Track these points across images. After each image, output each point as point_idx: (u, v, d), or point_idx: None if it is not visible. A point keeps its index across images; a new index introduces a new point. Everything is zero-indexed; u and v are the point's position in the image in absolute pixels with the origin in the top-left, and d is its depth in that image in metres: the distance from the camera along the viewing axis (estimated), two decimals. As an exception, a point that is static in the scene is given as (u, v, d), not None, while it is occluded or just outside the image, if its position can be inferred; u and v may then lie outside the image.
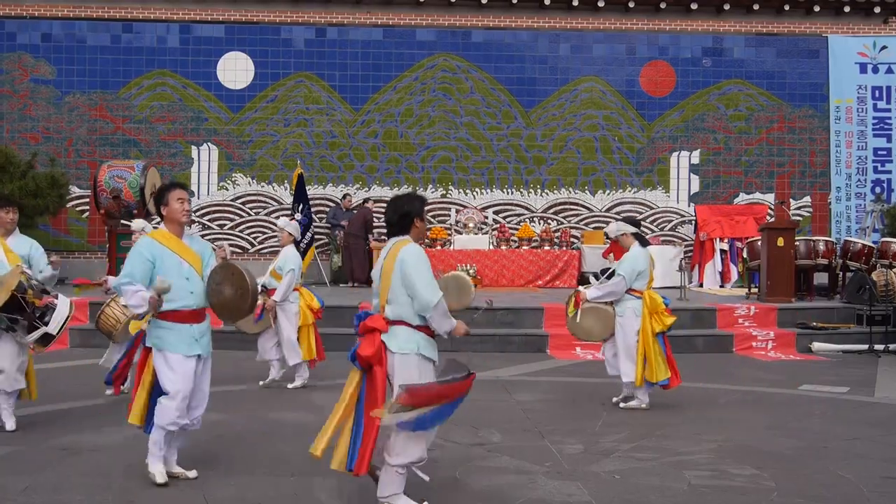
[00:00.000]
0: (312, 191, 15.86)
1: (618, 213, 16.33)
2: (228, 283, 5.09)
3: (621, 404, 7.45)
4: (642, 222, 16.20)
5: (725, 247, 15.41)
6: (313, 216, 15.52)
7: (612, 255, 14.57)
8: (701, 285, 15.23)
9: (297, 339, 8.22)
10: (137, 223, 8.16)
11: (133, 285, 4.97)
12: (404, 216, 4.65)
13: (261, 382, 8.34)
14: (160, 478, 4.96)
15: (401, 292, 4.46)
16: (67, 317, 6.28)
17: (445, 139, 16.29)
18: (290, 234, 8.46)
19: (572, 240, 15.79)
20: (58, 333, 6.24)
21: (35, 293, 6.10)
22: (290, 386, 8.24)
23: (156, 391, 5.09)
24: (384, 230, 16.31)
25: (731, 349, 10.93)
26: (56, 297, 6.28)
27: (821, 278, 13.34)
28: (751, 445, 6.04)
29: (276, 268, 8.27)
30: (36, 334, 6.09)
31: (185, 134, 15.99)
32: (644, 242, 7.59)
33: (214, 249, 5.52)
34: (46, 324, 6.11)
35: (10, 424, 6.25)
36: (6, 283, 6.00)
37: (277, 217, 15.94)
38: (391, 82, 16.17)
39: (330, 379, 8.69)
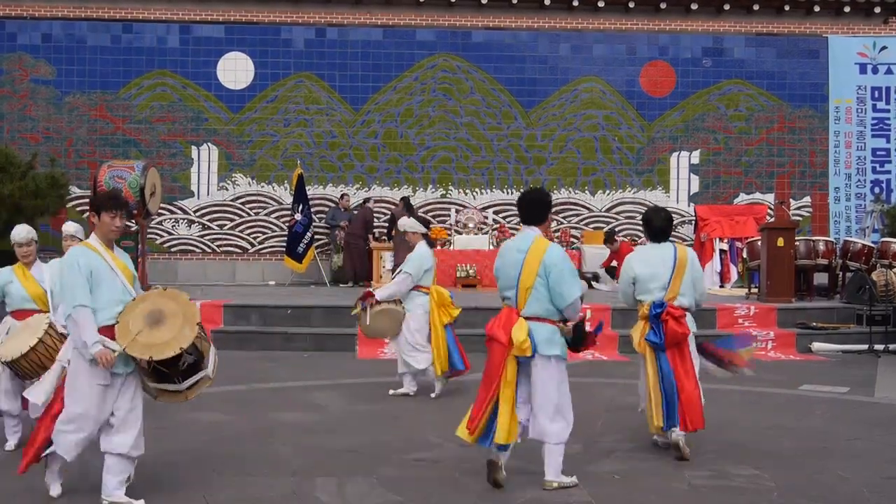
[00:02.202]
0: (312, 191, 15.86)
1: (618, 214, 16.36)
2: None
3: (390, 391, 7.87)
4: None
5: (725, 247, 15.40)
6: (313, 216, 15.52)
7: (614, 261, 14.51)
8: (700, 285, 15.20)
9: None
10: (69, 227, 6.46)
11: None
12: (671, 221, 6.01)
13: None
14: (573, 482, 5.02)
15: (690, 287, 5.75)
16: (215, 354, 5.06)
17: (445, 139, 16.29)
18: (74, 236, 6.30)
19: (572, 240, 15.78)
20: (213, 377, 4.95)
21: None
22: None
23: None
24: (384, 230, 16.36)
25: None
26: None
27: (821, 278, 13.33)
28: (751, 445, 6.04)
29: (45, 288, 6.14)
30: (196, 377, 4.72)
31: (185, 134, 15.99)
32: (430, 244, 8.28)
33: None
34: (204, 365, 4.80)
35: (54, 490, 4.83)
36: (190, 317, 4.63)
37: (281, 218, 15.97)
38: (391, 82, 16.17)
39: (329, 378, 8.71)
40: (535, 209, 5.07)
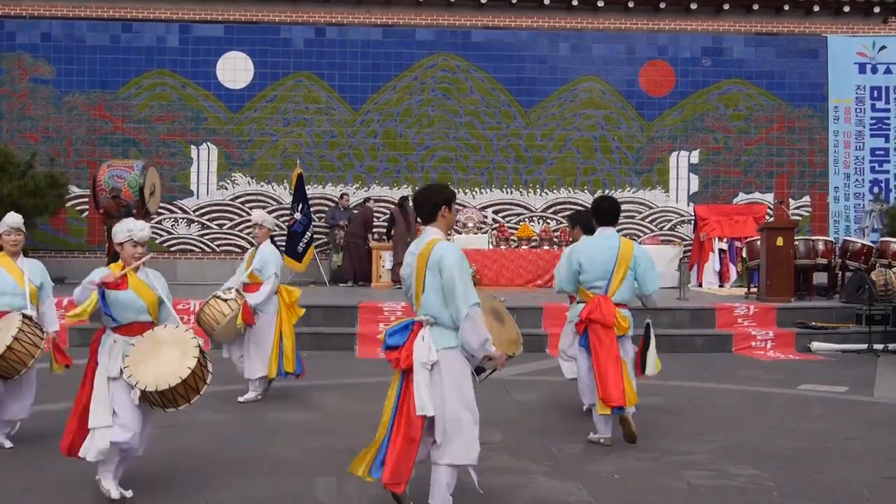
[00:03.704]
0: (312, 190, 15.85)
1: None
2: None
3: (240, 398, 7.53)
4: (641, 221, 16.22)
5: (724, 246, 15.41)
6: (312, 216, 15.52)
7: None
8: (700, 285, 15.23)
9: None
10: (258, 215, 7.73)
11: None
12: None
13: None
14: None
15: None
16: None
17: (445, 139, 16.29)
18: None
19: (571, 239, 15.76)
20: None
21: None
22: None
23: None
24: (384, 230, 16.34)
25: (730, 349, 10.93)
26: None
27: (820, 278, 13.35)
28: (750, 445, 6.05)
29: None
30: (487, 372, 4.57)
31: (184, 133, 15.98)
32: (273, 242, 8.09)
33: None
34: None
35: None
36: (506, 310, 4.64)
37: (281, 218, 15.96)
38: (391, 82, 16.17)
39: (329, 378, 8.70)
40: (610, 213, 6.15)
